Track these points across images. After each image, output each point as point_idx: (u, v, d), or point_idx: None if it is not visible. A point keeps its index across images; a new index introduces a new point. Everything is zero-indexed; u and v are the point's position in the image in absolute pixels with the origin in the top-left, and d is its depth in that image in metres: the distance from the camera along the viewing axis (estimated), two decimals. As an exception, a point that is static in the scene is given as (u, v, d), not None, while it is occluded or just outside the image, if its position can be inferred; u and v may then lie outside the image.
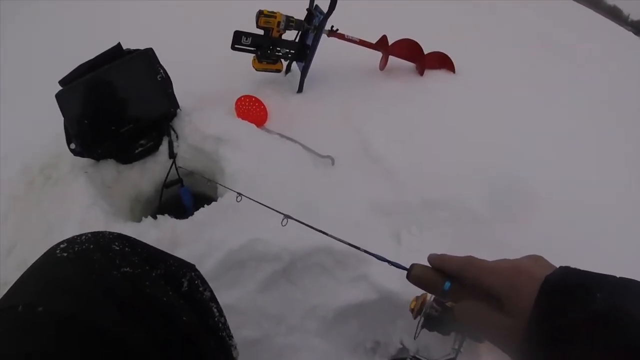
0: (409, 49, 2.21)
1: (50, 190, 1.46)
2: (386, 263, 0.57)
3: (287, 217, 0.82)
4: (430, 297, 0.69)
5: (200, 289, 0.63)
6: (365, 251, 0.61)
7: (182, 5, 3.01)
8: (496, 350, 0.40)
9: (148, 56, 1.44)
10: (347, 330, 1.21)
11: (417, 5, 3.26)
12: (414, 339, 0.72)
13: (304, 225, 0.79)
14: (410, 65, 2.33)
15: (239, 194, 1.01)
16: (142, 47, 1.47)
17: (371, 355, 1.22)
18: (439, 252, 0.50)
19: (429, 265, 0.48)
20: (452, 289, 0.45)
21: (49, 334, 0.44)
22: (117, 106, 1.43)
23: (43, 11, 3.26)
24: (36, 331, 0.43)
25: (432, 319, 0.62)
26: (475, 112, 2.03)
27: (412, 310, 0.68)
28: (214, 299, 0.65)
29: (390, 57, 2.21)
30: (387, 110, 1.94)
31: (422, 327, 0.64)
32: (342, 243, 0.70)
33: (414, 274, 0.48)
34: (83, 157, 1.44)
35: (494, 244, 1.35)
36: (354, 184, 1.51)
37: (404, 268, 0.50)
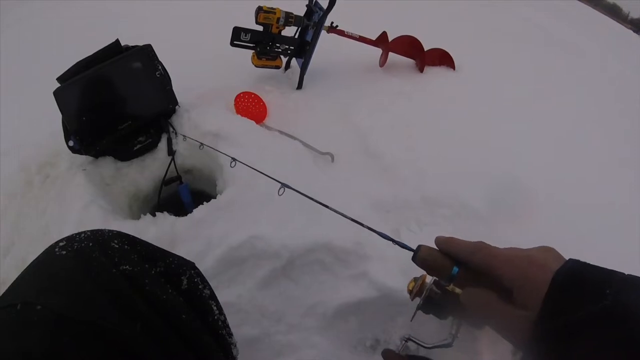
0: (409, 46, 2.20)
1: (49, 188, 1.45)
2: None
3: (284, 185, 0.80)
4: (430, 279, 0.68)
5: (200, 286, 0.63)
6: (370, 228, 0.60)
7: (181, 2, 3.00)
8: (494, 337, 0.40)
9: (146, 52, 1.43)
10: (347, 327, 1.20)
11: (418, 2, 3.25)
12: (410, 320, 0.71)
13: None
14: (410, 62, 2.33)
15: (233, 159, 0.99)
16: (141, 44, 1.46)
17: (371, 353, 1.22)
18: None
19: (436, 247, 0.47)
20: (459, 274, 0.44)
21: (47, 331, 0.43)
22: (115, 103, 1.42)
23: (41, 8, 3.25)
24: (35, 329, 0.43)
25: (430, 301, 0.62)
26: (475, 110, 2.02)
27: (410, 292, 0.68)
28: (213, 296, 0.65)
29: (390, 54, 2.20)
30: (387, 107, 1.94)
31: (419, 309, 0.64)
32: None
33: (421, 256, 0.47)
34: (81, 154, 1.43)
35: (494, 241, 1.35)
36: (353, 181, 1.50)
37: (410, 249, 0.49)
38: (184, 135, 1.51)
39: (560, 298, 0.35)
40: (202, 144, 1.35)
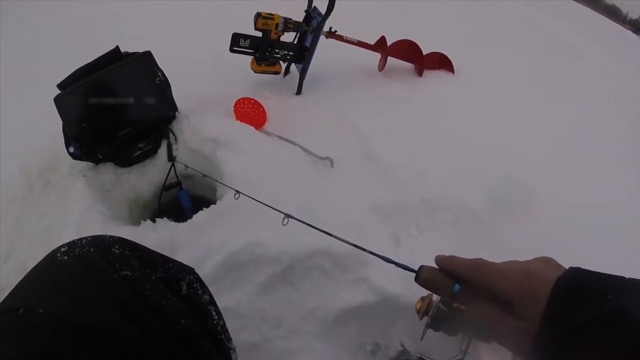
0: (407, 50, 2.21)
1: (49, 194, 1.46)
2: (388, 265, 0.57)
3: (288, 216, 0.81)
4: (436, 297, 0.68)
5: (199, 292, 0.63)
6: (372, 253, 0.61)
7: (181, 8, 3.02)
8: (502, 351, 0.40)
9: (146, 59, 1.44)
10: (347, 332, 1.20)
11: (416, 6, 3.26)
12: (420, 340, 0.71)
13: (304, 226, 0.78)
14: (409, 66, 2.33)
15: (237, 191, 1.00)
16: (141, 50, 1.47)
17: (371, 358, 1.22)
18: (439, 253, 0.49)
19: (436, 266, 0.48)
20: (461, 291, 0.45)
21: (48, 333, 0.44)
22: (115, 109, 1.43)
23: (41, 9, 3.27)
24: (35, 331, 0.44)
25: (439, 319, 0.62)
26: (474, 112, 2.03)
27: (417, 311, 0.68)
28: (212, 302, 0.65)
29: (389, 58, 2.21)
30: (386, 111, 1.94)
31: (429, 327, 0.64)
32: (342, 245, 0.70)
33: (423, 277, 0.47)
34: (82, 160, 1.44)
35: (495, 244, 1.35)
36: (353, 186, 1.51)
37: (412, 270, 0.50)
38: (185, 165, 1.52)
39: (561, 306, 0.35)
40: (205, 175, 1.37)
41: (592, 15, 5.53)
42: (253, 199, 0.96)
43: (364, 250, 0.63)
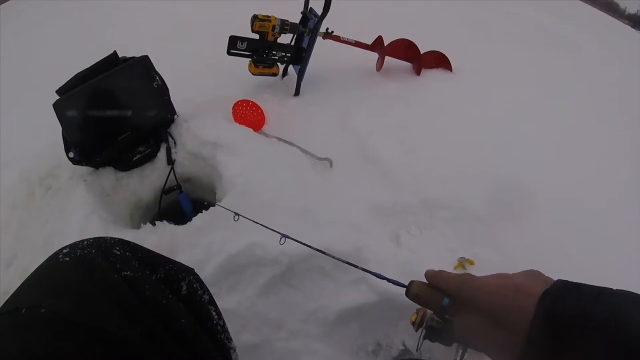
0: (405, 49, 2.21)
1: (50, 200, 1.46)
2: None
3: (284, 236, 0.83)
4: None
5: (199, 292, 0.64)
6: (364, 269, 0.62)
7: (178, 11, 3.03)
8: None
9: (144, 64, 1.45)
10: (348, 333, 1.20)
11: (414, 5, 3.26)
12: (416, 351, 0.72)
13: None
14: (407, 65, 2.33)
15: (236, 214, 1.01)
16: (139, 53, 1.47)
17: (373, 358, 1.22)
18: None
19: (426, 281, 0.49)
20: (451, 305, 0.46)
21: (50, 333, 0.45)
22: (114, 114, 1.43)
23: (41, 16, 3.29)
24: (38, 331, 0.45)
25: (433, 331, 0.64)
26: (473, 111, 2.03)
27: (413, 323, 0.70)
28: (212, 302, 0.66)
29: (387, 58, 2.21)
30: (384, 111, 1.95)
31: (424, 338, 0.66)
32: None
33: (412, 292, 0.49)
34: (82, 165, 1.45)
35: (494, 243, 1.35)
36: (352, 186, 1.51)
37: (402, 285, 0.51)
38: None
39: (548, 321, 0.35)
40: (206, 202, 1.40)
41: (591, 13, 5.51)
42: (253, 221, 0.96)
43: (356, 267, 0.64)
